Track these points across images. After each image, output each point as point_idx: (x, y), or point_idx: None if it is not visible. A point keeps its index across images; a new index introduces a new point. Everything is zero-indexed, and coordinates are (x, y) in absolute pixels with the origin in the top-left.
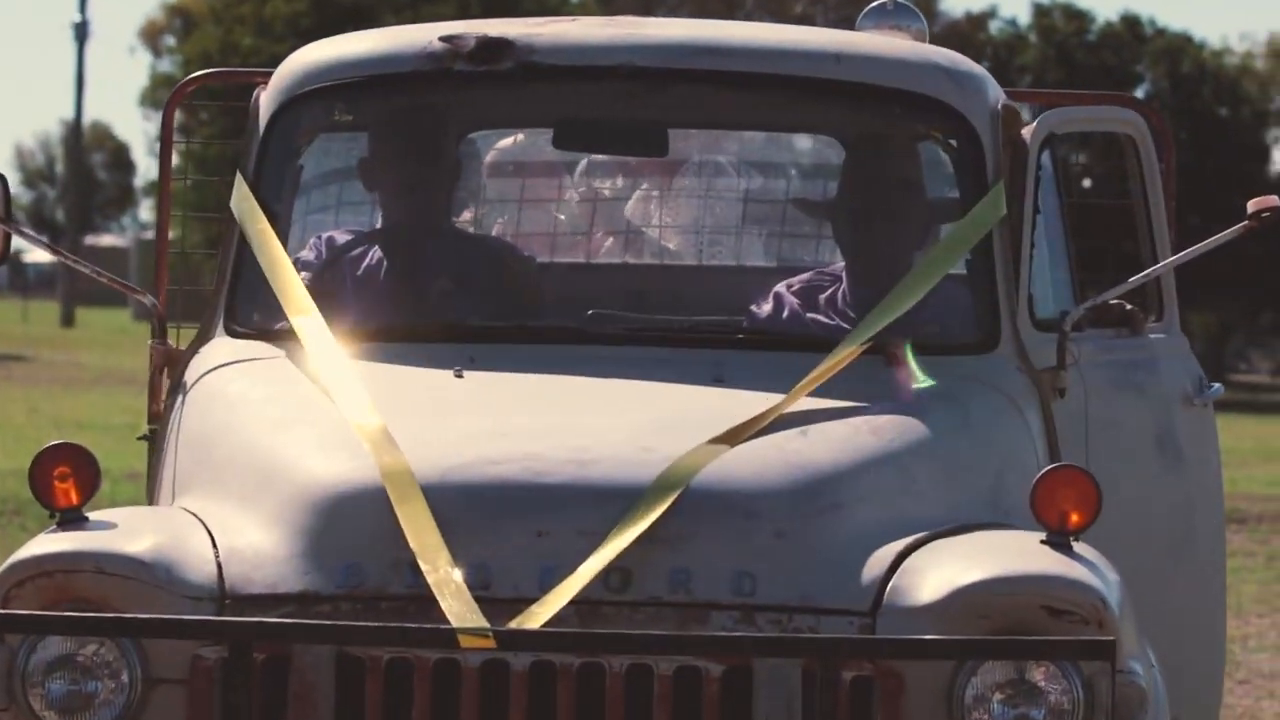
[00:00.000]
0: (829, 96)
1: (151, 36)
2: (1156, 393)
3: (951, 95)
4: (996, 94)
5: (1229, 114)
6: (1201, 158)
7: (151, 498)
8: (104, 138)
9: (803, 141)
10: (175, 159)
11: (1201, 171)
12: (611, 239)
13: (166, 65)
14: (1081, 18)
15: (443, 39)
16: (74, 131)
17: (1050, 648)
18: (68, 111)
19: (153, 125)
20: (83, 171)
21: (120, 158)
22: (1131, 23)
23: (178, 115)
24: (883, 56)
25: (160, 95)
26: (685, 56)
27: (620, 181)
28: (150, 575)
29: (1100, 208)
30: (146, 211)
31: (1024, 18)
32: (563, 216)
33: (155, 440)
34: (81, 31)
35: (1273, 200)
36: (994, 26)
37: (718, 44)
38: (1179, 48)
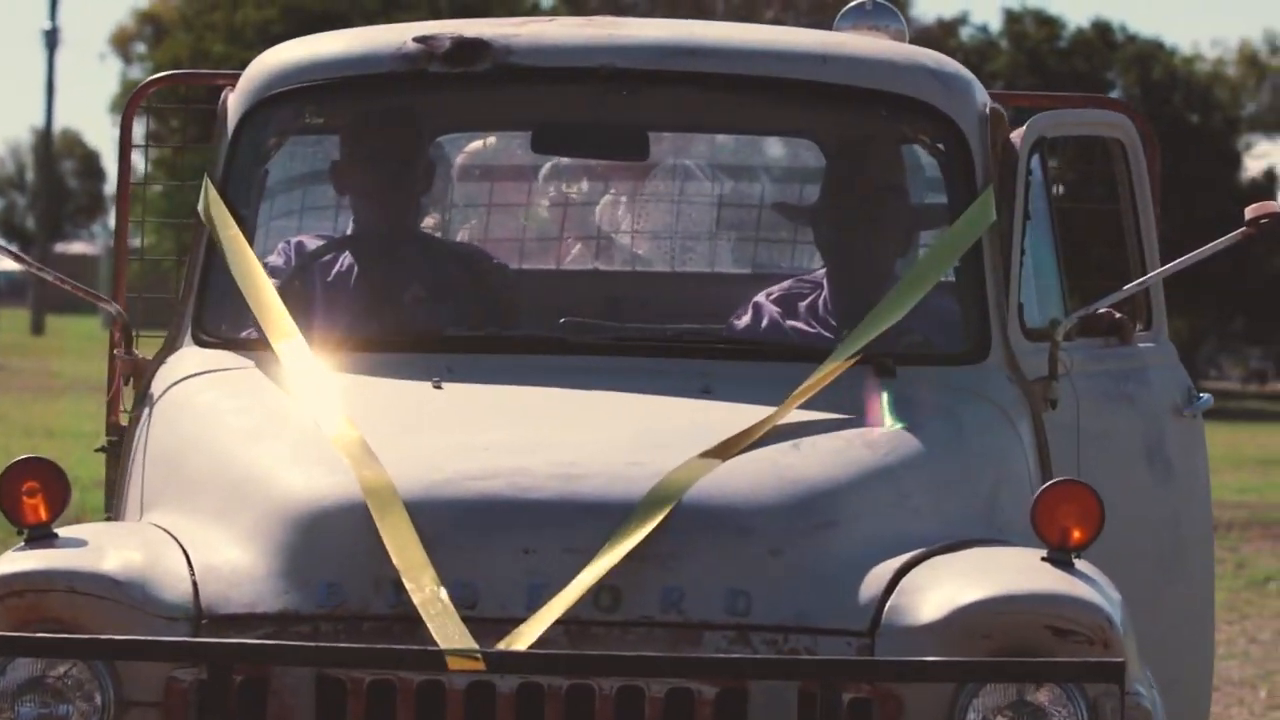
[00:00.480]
0: (815, 99)
1: (122, 43)
2: (1147, 403)
3: (939, 98)
4: (983, 97)
5: (1200, 120)
6: (1173, 164)
7: (116, 512)
8: (74, 145)
9: (775, 145)
10: (148, 166)
11: (1173, 178)
12: (580, 245)
13: (137, 72)
14: (1053, 24)
15: (417, 39)
16: (44, 139)
17: (1059, 669)
18: (38, 119)
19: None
20: (53, 179)
21: (90, 165)
22: (1103, 29)
23: (150, 122)
24: (869, 58)
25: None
26: (667, 58)
27: (586, 185)
28: (124, 595)
29: (1072, 213)
30: None
31: (995, 24)
32: (531, 223)
33: (119, 452)
34: (52, 38)
35: (1272, 206)
36: (965, 32)
37: (701, 45)
38: (1150, 54)
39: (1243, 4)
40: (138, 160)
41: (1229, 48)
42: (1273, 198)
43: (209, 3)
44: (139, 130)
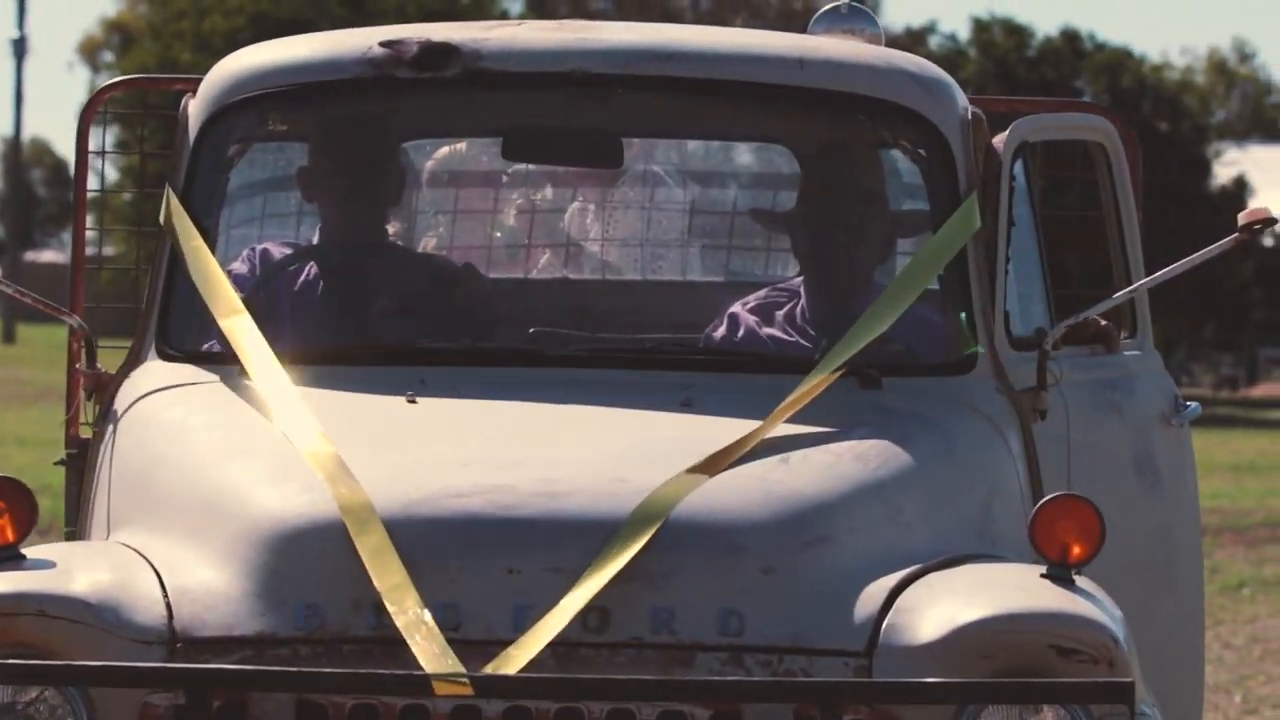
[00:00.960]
0: (793, 104)
1: (90, 52)
2: (1135, 413)
3: (920, 102)
4: (964, 101)
5: (1169, 128)
6: (1143, 172)
7: (80, 529)
8: (43, 154)
9: (745, 150)
10: (103, 170)
11: (1143, 185)
12: (549, 253)
13: (105, 81)
14: (1021, 33)
15: (384, 44)
16: (13, 148)
17: (1068, 690)
18: (6, 128)
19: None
20: (22, 188)
21: (59, 174)
22: (1071, 37)
23: (114, 129)
24: (849, 62)
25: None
26: (641, 62)
27: (552, 192)
28: (97, 618)
29: (1044, 220)
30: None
31: (964, 33)
32: (498, 231)
33: (82, 466)
34: (20, 47)
35: (1263, 212)
36: (934, 41)
37: (675, 49)
38: (1119, 62)
39: (1212, 12)
40: (100, 167)
41: (1198, 55)
42: (1243, 205)
43: (176, 11)
44: (106, 138)
